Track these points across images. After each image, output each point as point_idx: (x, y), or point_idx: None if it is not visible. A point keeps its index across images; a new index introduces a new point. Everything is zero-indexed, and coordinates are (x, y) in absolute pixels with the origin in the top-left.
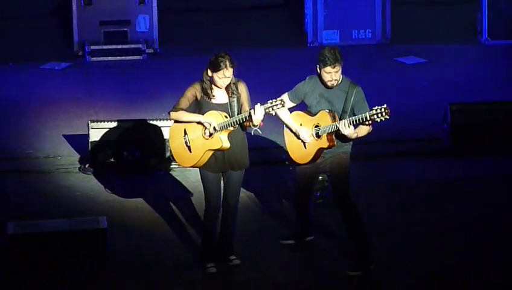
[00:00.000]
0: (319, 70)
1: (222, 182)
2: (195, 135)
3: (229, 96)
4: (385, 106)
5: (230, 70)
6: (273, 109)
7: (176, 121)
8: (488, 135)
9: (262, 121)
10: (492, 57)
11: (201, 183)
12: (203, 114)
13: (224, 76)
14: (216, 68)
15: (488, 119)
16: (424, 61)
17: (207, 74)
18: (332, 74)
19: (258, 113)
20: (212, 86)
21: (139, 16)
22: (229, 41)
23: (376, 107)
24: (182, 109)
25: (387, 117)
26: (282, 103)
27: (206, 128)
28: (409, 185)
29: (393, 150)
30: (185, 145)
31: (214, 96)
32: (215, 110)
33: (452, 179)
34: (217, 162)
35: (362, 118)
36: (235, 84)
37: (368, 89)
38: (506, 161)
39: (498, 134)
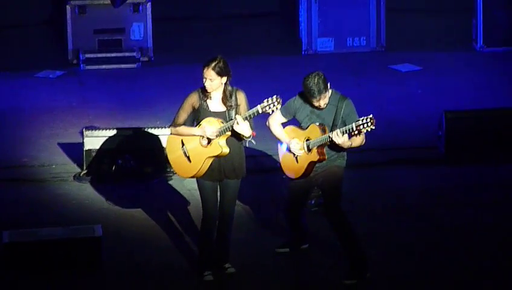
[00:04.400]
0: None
1: (219, 190)
2: (193, 145)
3: (226, 108)
4: (371, 116)
5: (209, 72)
6: (270, 108)
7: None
8: (483, 143)
9: (253, 130)
10: (487, 64)
11: (198, 191)
12: (200, 121)
13: (203, 76)
14: (202, 66)
15: (483, 127)
16: (419, 68)
17: None
18: (320, 102)
19: (241, 124)
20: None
21: (133, 24)
22: (224, 49)
23: (362, 118)
24: (181, 124)
25: (373, 127)
26: (278, 100)
27: (203, 137)
28: (403, 192)
29: (388, 158)
30: (184, 156)
31: (211, 98)
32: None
33: (447, 187)
34: (213, 171)
35: (349, 129)
36: (233, 93)
37: (363, 96)
38: (501, 169)
39: (493, 142)
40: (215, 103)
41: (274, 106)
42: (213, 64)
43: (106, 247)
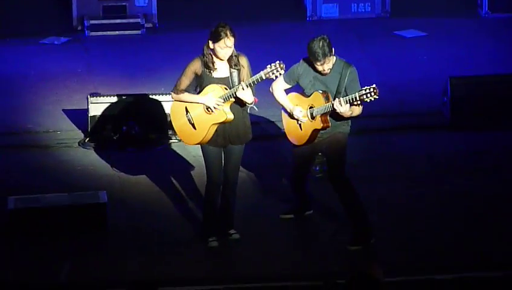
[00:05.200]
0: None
1: (223, 156)
2: (197, 112)
3: (230, 68)
4: (374, 86)
5: (232, 39)
6: (273, 74)
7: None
8: (488, 109)
9: (255, 96)
10: (492, 30)
11: (202, 157)
12: (204, 88)
13: (226, 46)
14: (217, 38)
15: (488, 93)
16: (424, 34)
17: (208, 47)
18: (324, 66)
19: (244, 91)
20: (214, 59)
21: None
22: (228, 16)
23: (365, 87)
24: (183, 90)
25: (376, 97)
26: (281, 65)
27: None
28: (408, 159)
29: (393, 124)
30: (188, 123)
31: (216, 68)
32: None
33: (452, 153)
34: (218, 137)
35: (352, 98)
36: (237, 56)
37: (367, 62)
38: (506, 135)
39: (498, 108)
40: (218, 69)
41: (277, 71)
42: (230, 32)
43: (111, 213)
